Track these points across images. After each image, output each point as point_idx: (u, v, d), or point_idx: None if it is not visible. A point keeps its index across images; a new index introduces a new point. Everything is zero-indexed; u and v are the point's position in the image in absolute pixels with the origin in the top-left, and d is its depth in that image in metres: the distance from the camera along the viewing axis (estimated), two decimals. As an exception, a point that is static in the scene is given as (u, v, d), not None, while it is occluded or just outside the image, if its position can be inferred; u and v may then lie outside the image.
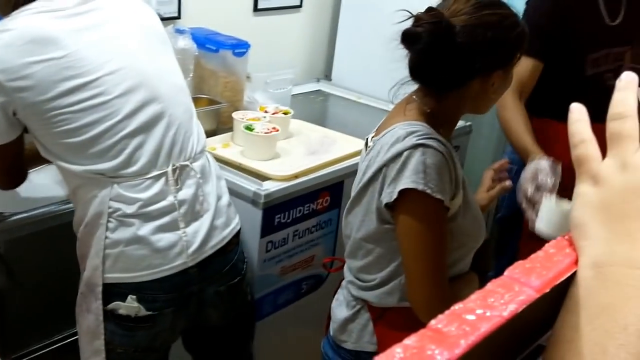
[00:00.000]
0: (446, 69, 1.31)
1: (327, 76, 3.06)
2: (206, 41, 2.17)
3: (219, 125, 2.21)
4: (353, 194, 1.40)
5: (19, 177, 1.54)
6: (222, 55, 2.17)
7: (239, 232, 1.65)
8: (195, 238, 1.47)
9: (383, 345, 1.39)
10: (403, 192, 1.24)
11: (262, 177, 1.90)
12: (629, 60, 2.14)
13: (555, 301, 0.49)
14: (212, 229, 1.52)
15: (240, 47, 2.16)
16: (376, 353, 0.44)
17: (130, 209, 1.38)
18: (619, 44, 2.06)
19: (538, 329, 0.50)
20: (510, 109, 1.98)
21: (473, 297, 0.43)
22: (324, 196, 2.03)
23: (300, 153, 2.09)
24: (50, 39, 1.30)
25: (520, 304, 0.43)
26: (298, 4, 2.83)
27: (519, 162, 2.10)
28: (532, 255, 0.48)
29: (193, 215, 1.48)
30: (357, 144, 2.16)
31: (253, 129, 1.98)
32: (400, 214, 1.28)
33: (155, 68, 1.47)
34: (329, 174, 2.01)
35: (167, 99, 1.44)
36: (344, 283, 1.52)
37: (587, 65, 2.03)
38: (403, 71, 1.37)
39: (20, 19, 1.32)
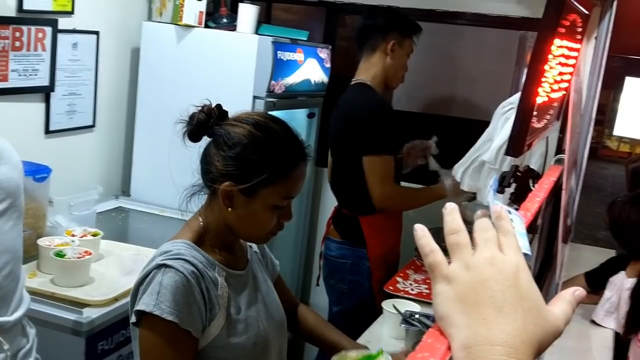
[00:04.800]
0: (202, 166, 1.37)
1: (125, 192, 3.04)
2: (2, 168, 2.06)
3: (21, 254, 2.08)
4: None
5: None
6: (21, 181, 2.08)
7: None
8: None
9: None
10: (140, 313, 1.24)
11: (80, 304, 1.83)
12: None
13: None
14: None
15: (41, 173, 2.10)
16: None
17: None
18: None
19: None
20: (395, 195, 2.43)
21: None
22: (146, 315, 1.99)
23: (115, 274, 2.05)
24: None
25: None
26: (91, 124, 2.82)
27: (352, 256, 2.44)
28: (419, 346, 0.60)
29: None
30: (171, 258, 2.18)
31: (64, 255, 1.91)
32: (138, 335, 1.28)
33: None
34: (149, 292, 1.99)
35: None
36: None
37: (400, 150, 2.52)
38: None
39: None
